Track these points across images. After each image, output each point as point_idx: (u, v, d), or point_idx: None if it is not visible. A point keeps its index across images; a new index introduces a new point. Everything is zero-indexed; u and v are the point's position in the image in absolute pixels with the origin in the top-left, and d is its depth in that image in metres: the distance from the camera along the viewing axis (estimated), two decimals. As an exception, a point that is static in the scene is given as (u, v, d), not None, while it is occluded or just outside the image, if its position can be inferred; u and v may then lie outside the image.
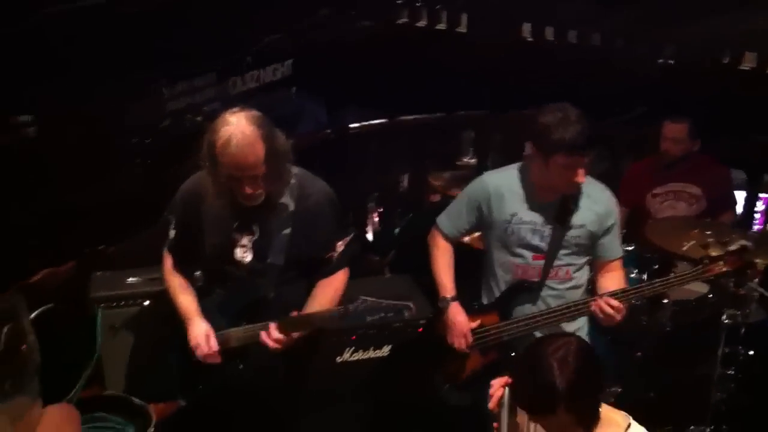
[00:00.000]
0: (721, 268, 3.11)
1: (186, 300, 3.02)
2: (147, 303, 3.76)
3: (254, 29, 6.10)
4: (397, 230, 5.88)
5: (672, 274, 3.94)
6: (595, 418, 2.25)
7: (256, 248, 2.91)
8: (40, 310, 3.35)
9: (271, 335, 2.82)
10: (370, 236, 5.93)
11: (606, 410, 2.32)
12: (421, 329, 3.76)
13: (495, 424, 2.38)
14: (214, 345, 2.92)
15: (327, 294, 2.98)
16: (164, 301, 3.77)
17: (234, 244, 2.92)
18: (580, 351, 2.22)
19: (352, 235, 3.07)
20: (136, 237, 4.21)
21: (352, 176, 5.70)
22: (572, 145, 2.91)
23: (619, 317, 3.00)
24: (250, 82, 5.81)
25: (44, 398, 3.19)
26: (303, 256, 2.93)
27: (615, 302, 2.98)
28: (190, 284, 3.08)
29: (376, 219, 5.96)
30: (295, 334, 2.87)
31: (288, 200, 2.91)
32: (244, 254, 2.92)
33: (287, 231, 2.89)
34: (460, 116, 5.99)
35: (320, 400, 3.46)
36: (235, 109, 2.77)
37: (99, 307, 3.70)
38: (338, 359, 3.71)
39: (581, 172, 2.98)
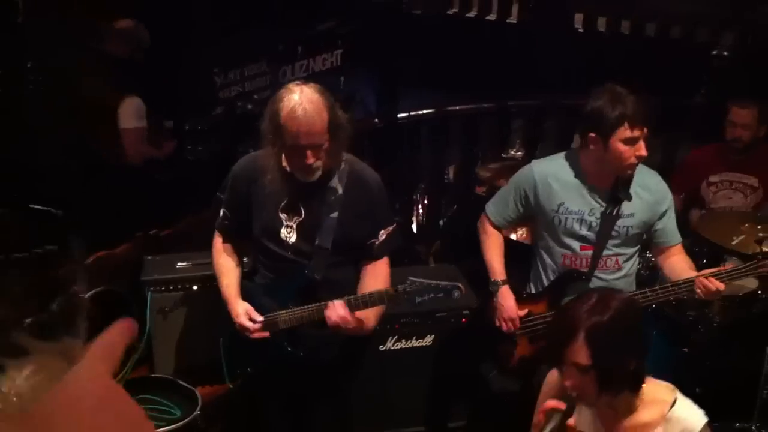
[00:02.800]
0: (775, 266, 3.06)
1: (228, 282, 3.07)
2: (196, 287, 3.82)
3: (305, 19, 6.15)
4: (442, 221, 5.89)
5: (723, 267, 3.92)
6: (623, 383, 2.23)
7: (302, 229, 2.94)
8: (92, 292, 3.42)
9: (337, 311, 2.85)
10: (415, 226, 5.94)
11: (650, 385, 2.30)
12: (465, 319, 3.79)
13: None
14: (257, 317, 2.95)
15: (376, 280, 3.00)
16: (213, 285, 3.86)
17: (280, 224, 2.95)
18: (623, 303, 2.25)
19: (395, 225, 3.08)
20: (187, 222, 4.28)
21: (399, 166, 5.72)
22: (634, 116, 2.91)
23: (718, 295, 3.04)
24: (300, 72, 5.85)
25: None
26: (349, 240, 2.95)
27: (721, 285, 2.95)
28: (236, 265, 3.12)
29: (422, 209, 5.97)
30: (358, 313, 2.90)
31: (337, 184, 2.93)
32: (289, 234, 2.94)
33: (335, 214, 2.91)
34: (510, 106, 5.95)
35: (363, 388, 3.48)
36: (297, 81, 2.82)
37: (149, 290, 3.78)
38: (381, 348, 3.73)
39: (643, 145, 2.97)
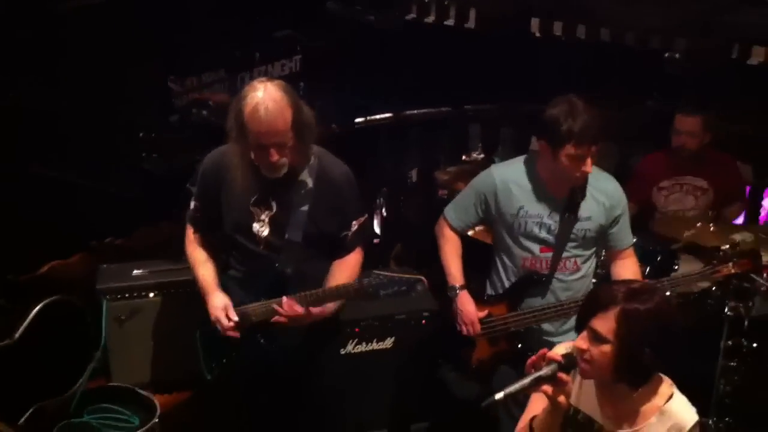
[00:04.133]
0: (730, 270, 3.13)
1: (205, 273, 3.05)
2: (153, 295, 3.78)
3: (262, 25, 6.12)
4: (404, 224, 5.89)
5: (676, 267, 3.99)
6: (631, 373, 2.26)
7: (274, 223, 2.94)
8: (46, 301, 3.38)
9: (286, 307, 2.85)
10: (377, 230, 5.94)
11: (660, 379, 2.36)
12: (424, 321, 3.80)
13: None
14: (234, 316, 2.93)
15: (344, 273, 3.00)
16: (170, 292, 3.83)
17: (252, 218, 2.94)
18: (666, 303, 2.28)
19: (366, 216, 3.10)
20: (142, 230, 4.25)
21: (360, 171, 5.71)
22: (581, 135, 2.94)
23: None
24: (259, 78, 5.82)
25: (49, 390, 3.26)
26: (320, 233, 2.96)
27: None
28: (211, 257, 3.10)
29: (384, 213, 5.97)
30: (314, 309, 2.90)
31: (307, 177, 2.93)
32: (261, 228, 2.94)
33: (305, 208, 2.92)
34: (468, 111, 5.99)
35: (324, 392, 3.47)
36: (262, 79, 2.82)
37: (105, 299, 3.73)
38: (342, 351, 3.72)
39: (589, 162, 3.01)
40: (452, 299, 3.27)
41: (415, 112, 5.77)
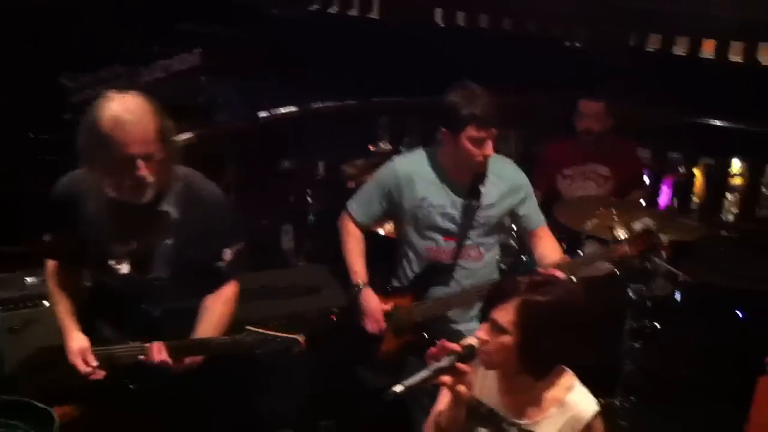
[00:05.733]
0: (626, 251, 3.21)
1: (62, 309, 2.83)
2: (48, 304, 3.61)
3: (161, 17, 5.97)
4: (311, 218, 5.84)
5: (580, 254, 4.07)
6: (546, 369, 2.30)
7: (135, 259, 2.70)
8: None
9: (157, 354, 2.65)
10: (286, 225, 5.87)
11: (561, 371, 2.37)
12: (334, 317, 3.76)
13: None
14: (92, 362, 2.72)
15: (216, 311, 2.79)
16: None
17: (109, 255, 2.70)
18: (569, 294, 2.27)
19: (242, 244, 2.85)
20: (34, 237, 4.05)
21: (267, 165, 5.64)
22: (481, 117, 2.97)
23: None
24: (158, 72, 5.67)
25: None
26: (189, 267, 2.71)
27: (559, 273, 2.98)
28: (71, 290, 2.87)
29: (293, 208, 5.90)
30: (186, 360, 2.71)
31: (171, 207, 2.67)
32: (119, 265, 2.70)
33: (170, 241, 2.68)
34: (374, 103, 5.97)
35: (232, 394, 3.39)
36: (112, 92, 2.55)
37: (-3, 309, 3.56)
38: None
39: (490, 144, 3.04)
40: (355, 296, 3.24)
41: (321, 105, 5.71)
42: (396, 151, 5.59)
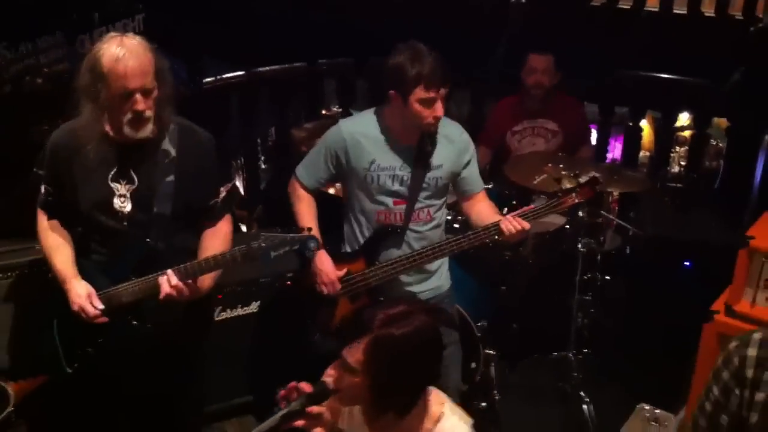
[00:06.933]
0: (574, 199, 3.26)
1: (62, 260, 2.86)
2: (16, 273, 3.57)
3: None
4: (263, 184, 5.81)
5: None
6: (408, 404, 2.12)
7: (137, 198, 2.79)
8: None
9: (171, 281, 2.73)
10: (237, 191, 5.83)
11: (429, 398, 2.19)
12: (289, 282, 3.76)
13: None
14: (99, 305, 2.79)
15: (216, 243, 2.90)
16: (16, 275, 3.61)
17: (112, 194, 2.78)
18: (426, 326, 2.07)
19: (232, 182, 3.02)
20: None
21: (215, 132, 5.56)
22: (430, 77, 2.95)
23: (525, 235, 3.12)
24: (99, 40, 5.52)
25: None
26: (189, 204, 2.84)
27: (526, 224, 3.08)
28: (67, 242, 2.91)
29: (243, 175, 5.86)
30: (203, 281, 2.82)
31: (169, 146, 2.79)
32: (123, 204, 2.79)
33: (171, 178, 2.79)
34: (322, 65, 5.91)
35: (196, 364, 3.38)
36: (114, 33, 2.69)
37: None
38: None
39: (440, 105, 3.02)
40: (309, 260, 3.23)
41: (268, 69, 5.64)
42: (347, 115, 5.57)
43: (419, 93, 2.96)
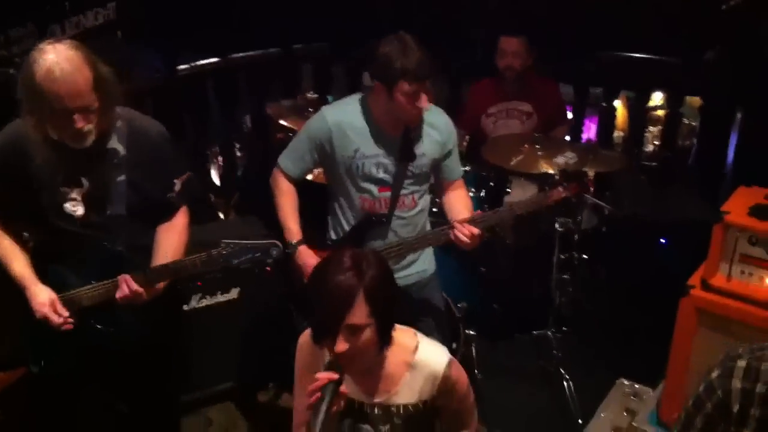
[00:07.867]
0: (561, 194, 3.26)
1: (19, 265, 2.80)
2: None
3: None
4: (240, 171, 5.79)
5: (508, 190, 4.14)
6: (388, 336, 2.21)
7: (89, 200, 2.73)
8: None
9: (130, 286, 2.69)
10: (216, 179, 5.81)
11: (397, 332, 2.27)
12: (269, 268, 3.75)
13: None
14: (63, 312, 2.74)
15: (171, 239, 2.86)
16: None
17: (63, 198, 2.72)
18: (378, 256, 2.23)
19: (189, 173, 2.93)
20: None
21: (191, 120, 5.54)
22: (415, 72, 2.93)
23: (478, 242, 3.05)
24: (71, 29, 5.46)
25: None
26: (144, 201, 2.78)
27: (475, 230, 3.03)
28: (23, 247, 2.85)
29: (220, 161, 5.83)
30: (159, 285, 2.77)
31: (117, 144, 2.71)
32: (74, 208, 2.73)
33: (122, 177, 2.72)
34: (297, 50, 5.88)
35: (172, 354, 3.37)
36: (49, 40, 2.55)
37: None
38: (185, 307, 3.62)
39: (425, 98, 3.01)
40: (291, 255, 3.21)
41: (243, 54, 5.61)
42: (323, 100, 5.56)
43: (404, 87, 2.95)
